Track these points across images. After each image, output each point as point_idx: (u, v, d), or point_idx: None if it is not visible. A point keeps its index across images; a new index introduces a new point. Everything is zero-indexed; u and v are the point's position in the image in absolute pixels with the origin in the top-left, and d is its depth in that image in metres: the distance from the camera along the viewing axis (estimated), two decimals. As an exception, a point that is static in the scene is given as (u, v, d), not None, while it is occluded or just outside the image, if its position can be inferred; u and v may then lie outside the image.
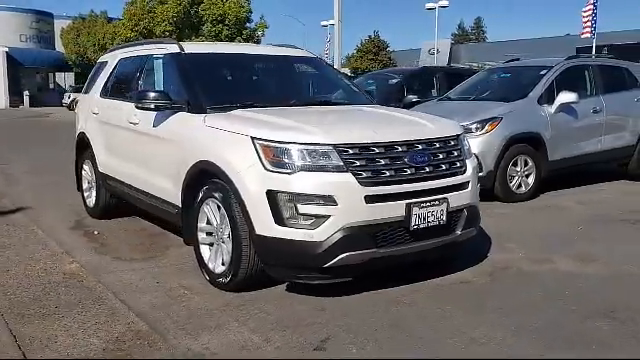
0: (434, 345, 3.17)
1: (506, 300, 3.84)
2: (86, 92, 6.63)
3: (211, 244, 4.12)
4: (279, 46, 5.73)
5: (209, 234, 4.13)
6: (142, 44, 5.81)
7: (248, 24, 34.47)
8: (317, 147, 3.57)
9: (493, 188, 6.78)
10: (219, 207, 3.94)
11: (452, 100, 8.14)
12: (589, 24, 29.95)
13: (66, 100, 36.32)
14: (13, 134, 18.98)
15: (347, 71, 38.45)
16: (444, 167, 3.92)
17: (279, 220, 3.55)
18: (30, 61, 44.75)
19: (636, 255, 4.83)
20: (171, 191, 4.47)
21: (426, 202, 3.73)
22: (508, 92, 7.64)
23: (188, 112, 4.36)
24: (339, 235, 3.51)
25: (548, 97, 7.25)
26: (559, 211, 6.55)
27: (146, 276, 4.34)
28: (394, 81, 9.90)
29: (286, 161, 3.57)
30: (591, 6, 29.68)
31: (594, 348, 3.14)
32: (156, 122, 4.64)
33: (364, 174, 3.58)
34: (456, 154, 4.05)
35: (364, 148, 3.65)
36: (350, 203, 3.52)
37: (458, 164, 4.03)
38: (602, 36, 30.87)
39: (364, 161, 3.62)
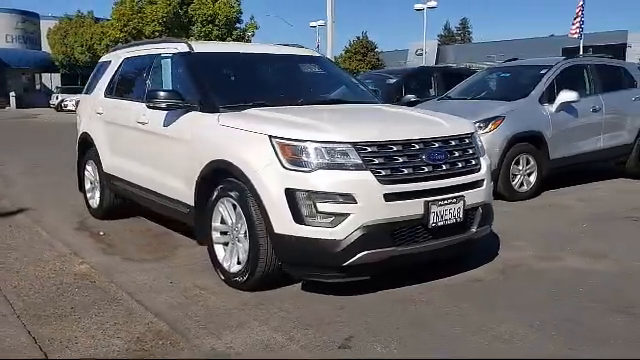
0: (457, 342, 3.18)
1: (521, 298, 3.86)
2: (88, 92, 6.57)
3: (226, 243, 4.10)
4: (285, 45, 5.72)
5: (223, 233, 4.12)
6: (147, 43, 5.78)
7: (238, 25, 34.38)
8: (336, 145, 3.57)
9: (496, 187, 6.80)
10: (235, 206, 3.92)
11: (453, 99, 8.17)
12: (578, 25, 30.36)
13: (54, 101, 36.00)
14: (3, 135, 18.76)
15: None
16: (460, 165, 3.94)
17: (298, 218, 3.54)
18: (16, 62, 44.25)
19: (644, 252, 4.88)
20: (183, 190, 4.45)
21: (444, 200, 3.75)
22: (509, 91, 7.70)
23: (200, 111, 4.34)
24: (358, 233, 3.51)
25: (549, 96, 7.31)
26: (561, 209, 6.60)
27: (159, 276, 4.31)
28: (392, 81, 9.92)
29: (305, 159, 3.56)
30: (580, 7, 30.12)
31: (612, 344, 3.17)
32: (166, 122, 4.61)
33: (383, 172, 3.58)
34: (471, 152, 4.07)
35: (382, 146, 3.65)
36: (370, 201, 3.52)
37: (473, 162, 4.05)
38: (586, 37, 31.31)
39: (383, 159, 3.62)
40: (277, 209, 3.59)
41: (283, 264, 3.76)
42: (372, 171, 3.55)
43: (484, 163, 4.15)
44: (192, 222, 4.49)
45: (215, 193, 4.08)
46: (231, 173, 3.91)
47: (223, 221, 4.08)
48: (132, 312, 3.62)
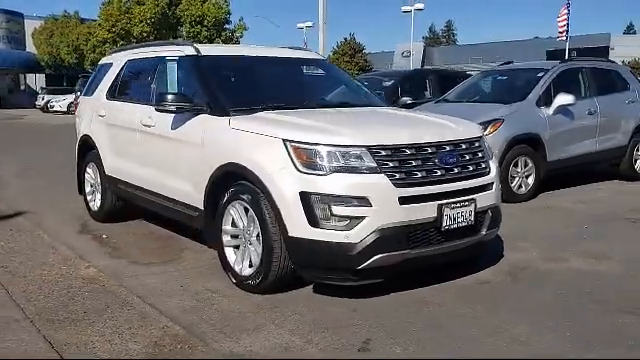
0: (474, 344, 3.21)
1: (531, 299, 3.90)
2: (87, 94, 6.52)
3: (236, 246, 4.10)
4: (289, 48, 5.73)
5: (234, 236, 4.11)
6: (151, 46, 5.76)
7: (227, 25, 34.31)
8: (350, 149, 3.59)
9: (495, 189, 6.87)
10: (247, 209, 3.92)
11: (450, 102, 8.23)
12: (564, 28, 30.77)
13: (40, 102, 35.57)
14: (-9, 137, 18.52)
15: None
16: (471, 168, 3.98)
17: (313, 222, 3.55)
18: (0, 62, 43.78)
19: (646, 253, 4.97)
20: (191, 194, 4.44)
21: (456, 203, 3.79)
22: (506, 94, 7.77)
23: (210, 114, 4.33)
24: (374, 236, 3.53)
25: (546, 99, 7.40)
26: (560, 211, 6.68)
27: (168, 280, 4.30)
28: (388, 83, 9.97)
29: (319, 163, 3.58)
30: (566, 11, 30.52)
31: (626, 344, 3.22)
32: (174, 124, 4.59)
33: (397, 175, 3.61)
34: (481, 155, 4.11)
35: (396, 149, 3.68)
36: (384, 204, 3.54)
37: (483, 165, 4.09)
38: (570, 39, 31.81)
39: (397, 162, 3.65)
40: (291, 212, 3.60)
41: (297, 267, 3.77)
42: (387, 174, 3.58)
43: (493, 166, 4.19)
44: (200, 225, 4.48)
45: (226, 196, 4.08)
46: (243, 176, 3.91)
47: (234, 224, 4.08)
48: (145, 316, 3.61)
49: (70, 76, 42.69)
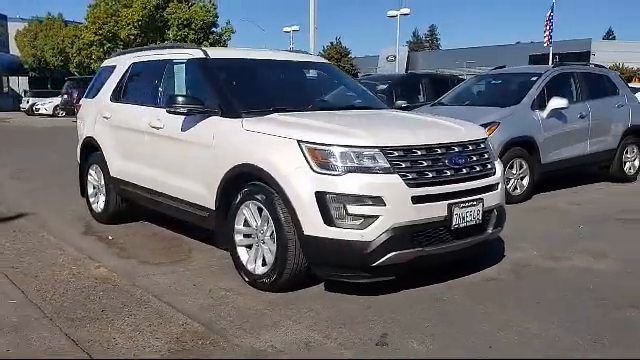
0: (488, 338, 3.32)
1: (537, 295, 4.03)
2: (89, 97, 6.56)
3: (249, 246, 4.18)
4: (293, 52, 5.83)
5: (247, 236, 4.19)
6: (156, 49, 5.83)
7: (214, 29, 34.30)
8: (364, 149, 3.69)
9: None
10: (260, 209, 4.00)
11: (445, 105, 8.38)
12: (548, 34, 31.27)
13: (24, 105, 35.19)
14: (-23, 139, 18.34)
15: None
16: (478, 169, 4.11)
17: (328, 221, 3.65)
18: (-18, 64, 43.29)
19: (642, 251, 5.14)
20: (202, 194, 4.50)
21: (465, 202, 3.91)
22: (501, 98, 7.94)
23: (221, 116, 4.41)
24: (387, 235, 3.63)
25: (540, 103, 7.58)
26: (555, 212, 6.85)
27: (180, 279, 4.36)
28: (382, 87, 10.11)
29: (334, 163, 3.67)
30: (548, 16, 31.02)
31: (635, 335, 3.36)
32: (184, 126, 4.66)
33: (410, 176, 3.72)
34: (486, 156, 4.24)
35: (408, 150, 3.79)
36: (398, 204, 3.65)
37: (489, 166, 4.22)
38: (552, 44, 32.30)
39: (409, 163, 3.76)
40: (307, 211, 3.69)
41: (311, 264, 3.86)
42: (400, 175, 3.69)
43: (499, 167, 4.32)
44: (212, 225, 4.55)
45: (239, 196, 4.15)
46: (258, 177, 3.99)
47: (247, 224, 4.16)
48: (163, 314, 3.67)
49: (55, 79, 42.34)
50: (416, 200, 3.70)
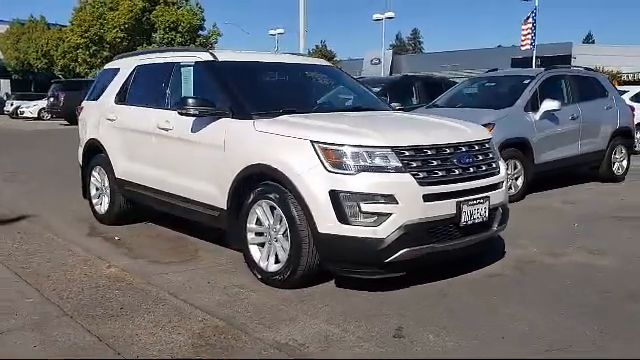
0: (498, 330, 3.45)
1: (541, 290, 4.18)
2: (92, 99, 6.60)
3: (261, 244, 4.28)
4: (294, 55, 5.94)
5: (259, 234, 4.29)
6: (162, 51, 5.90)
7: (201, 32, 34.29)
8: (377, 149, 3.81)
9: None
10: (273, 208, 4.10)
11: (440, 107, 8.54)
12: (529, 37, 31.65)
13: (8, 108, 34.83)
14: (-36, 143, 18.15)
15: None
16: (484, 168, 4.25)
17: (342, 218, 3.76)
18: (-37, 67, 42.75)
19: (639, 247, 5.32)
20: (213, 194, 4.58)
21: (473, 200, 4.05)
22: (495, 100, 8.14)
23: (232, 118, 4.50)
24: (400, 232, 3.76)
25: (533, 105, 7.78)
26: (551, 211, 7.03)
27: (193, 277, 4.44)
28: (376, 89, 10.22)
29: (347, 163, 3.79)
30: (531, 20, 31.40)
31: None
32: (194, 128, 4.74)
33: (421, 174, 3.85)
34: (491, 156, 4.39)
35: (419, 150, 3.92)
36: (410, 202, 3.77)
37: (494, 165, 4.36)
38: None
39: (420, 162, 3.89)
40: (321, 210, 3.80)
41: (325, 261, 3.96)
42: (411, 173, 3.81)
43: (502, 166, 4.47)
44: (222, 225, 4.63)
45: (252, 196, 4.25)
46: (271, 177, 4.09)
47: (259, 222, 4.25)
48: (181, 311, 3.75)
49: (39, 81, 41.97)
50: (427, 198, 3.83)
